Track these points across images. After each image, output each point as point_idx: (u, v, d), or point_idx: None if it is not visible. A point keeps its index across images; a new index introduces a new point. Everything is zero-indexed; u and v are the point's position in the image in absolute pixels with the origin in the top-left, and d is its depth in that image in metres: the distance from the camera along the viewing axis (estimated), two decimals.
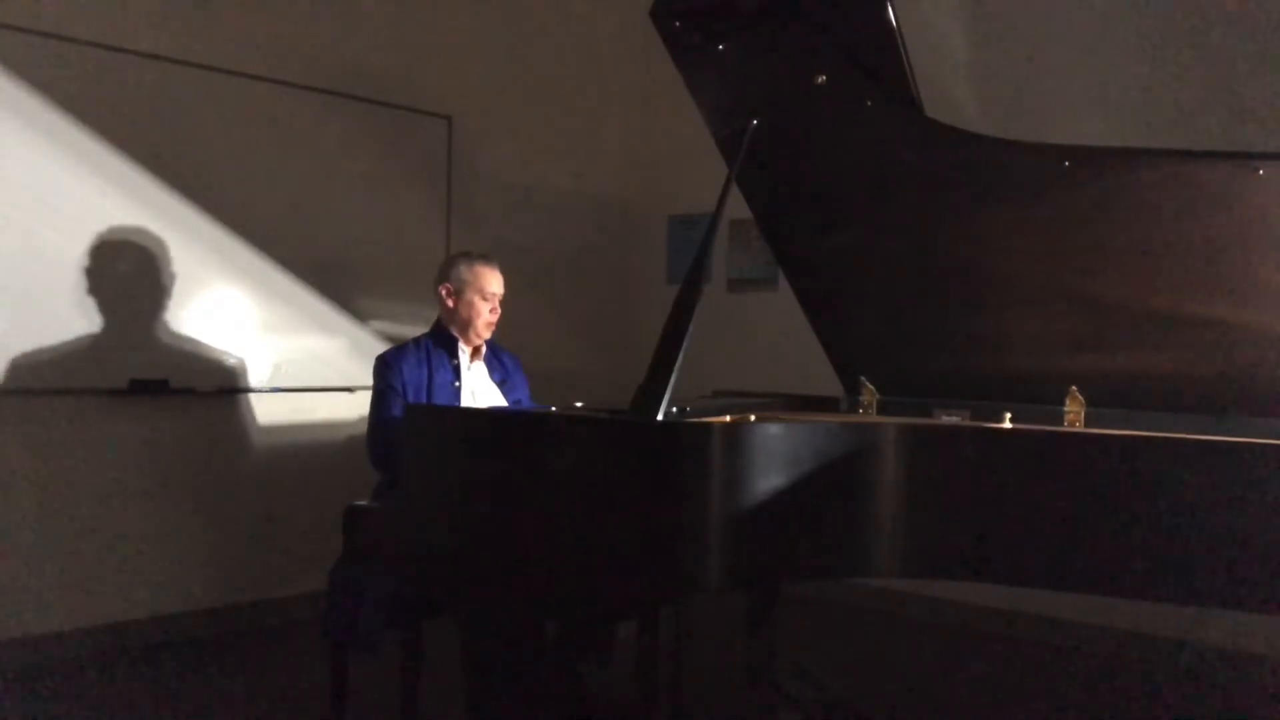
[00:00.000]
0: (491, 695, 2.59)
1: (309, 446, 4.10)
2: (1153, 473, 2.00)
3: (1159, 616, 3.75)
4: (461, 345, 2.94)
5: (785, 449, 2.05)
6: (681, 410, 2.38)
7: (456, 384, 2.90)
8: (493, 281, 2.91)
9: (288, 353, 4.01)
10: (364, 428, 2.90)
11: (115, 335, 3.56)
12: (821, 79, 2.40)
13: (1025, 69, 4.12)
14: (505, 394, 3.01)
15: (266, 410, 3.99)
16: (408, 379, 2.83)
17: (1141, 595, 2.04)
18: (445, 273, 2.94)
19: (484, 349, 3.00)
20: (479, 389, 2.96)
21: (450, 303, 2.91)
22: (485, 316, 2.90)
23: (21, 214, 3.36)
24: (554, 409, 2.75)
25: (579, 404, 2.55)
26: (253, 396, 3.95)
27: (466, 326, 2.91)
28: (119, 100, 3.56)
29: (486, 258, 2.94)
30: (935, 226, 2.57)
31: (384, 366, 2.86)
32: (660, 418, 2.11)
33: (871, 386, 2.92)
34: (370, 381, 2.89)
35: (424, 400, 2.81)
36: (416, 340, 2.96)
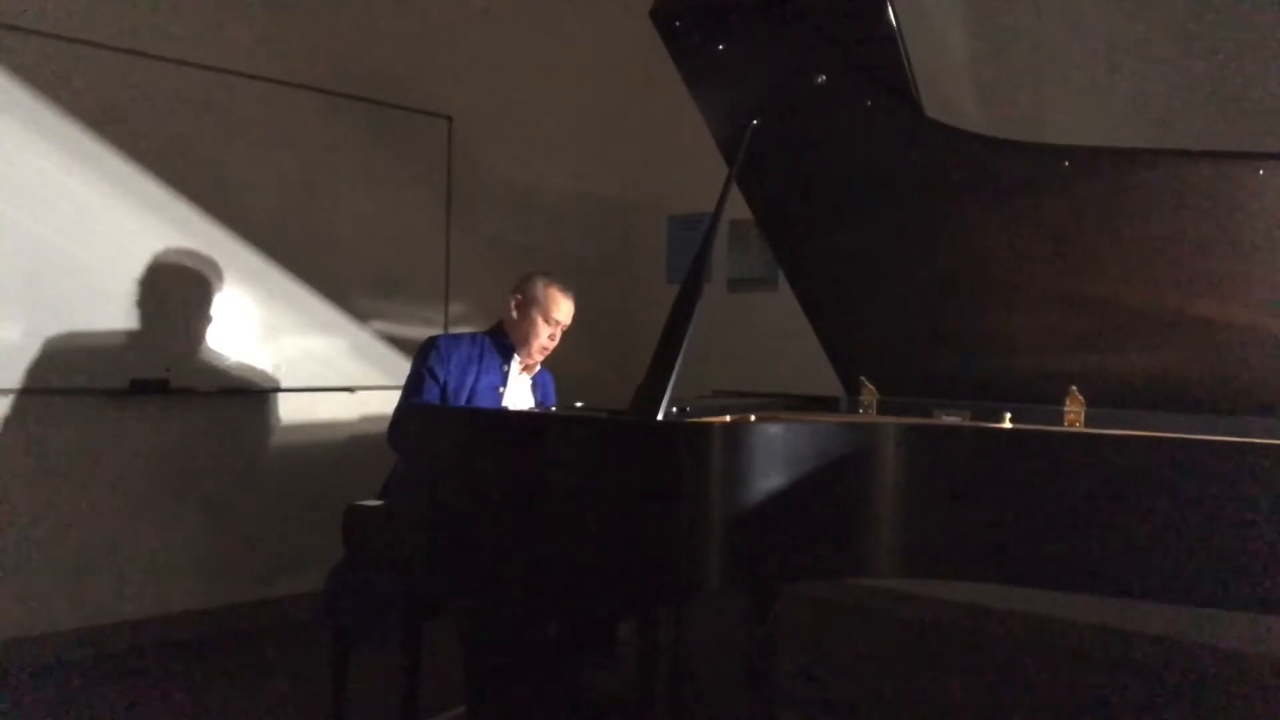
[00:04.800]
0: (491, 695, 2.58)
1: (309, 446, 4.10)
2: (1153, 473, 2.00)
3: (1159, 616, 3.75)
4: (517, 355, 2.91)
5: (785, 449, 2.05)
6: (681, 410, 2.38)
7: (500, 389, 2.87)
8: (560, 309, 2.85)
9: (288, 353, 4.01)
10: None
11: (115, 335, 3.56)
12: (821, 79, 2.40)
13: (1025, 69, 4.12)
14: None
15: (267, 410, 3.99)
16: (453, 371, 2.79)
17: (1141, 595, 2.04)
18: (521, 285, 2.89)
19: (538, 367, 2.98)
20: (519, 402, 2.95)
21: (515, 314, 2.87)
22: (542, 340, 2.86)
23: (22, 214, 3.36)
24: (554, 409, 2.75)
25: (579, 404, 2.55)
26: (253, 396, 3.95)
27: (522, 343, 2.88)
28: (119, 100, 3.56)
29: (565, 286, 2.89)
30: (935, 226, 2.58)
31: (435, 350, 2.80)
32: (660, 418, 2.11)
33: (871, 386, 2.92)
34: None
35: (464, 397, 2.79)
36: (474, 335, 2.92)
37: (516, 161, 4.87)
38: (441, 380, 2.77)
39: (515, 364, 2.92)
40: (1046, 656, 3.83)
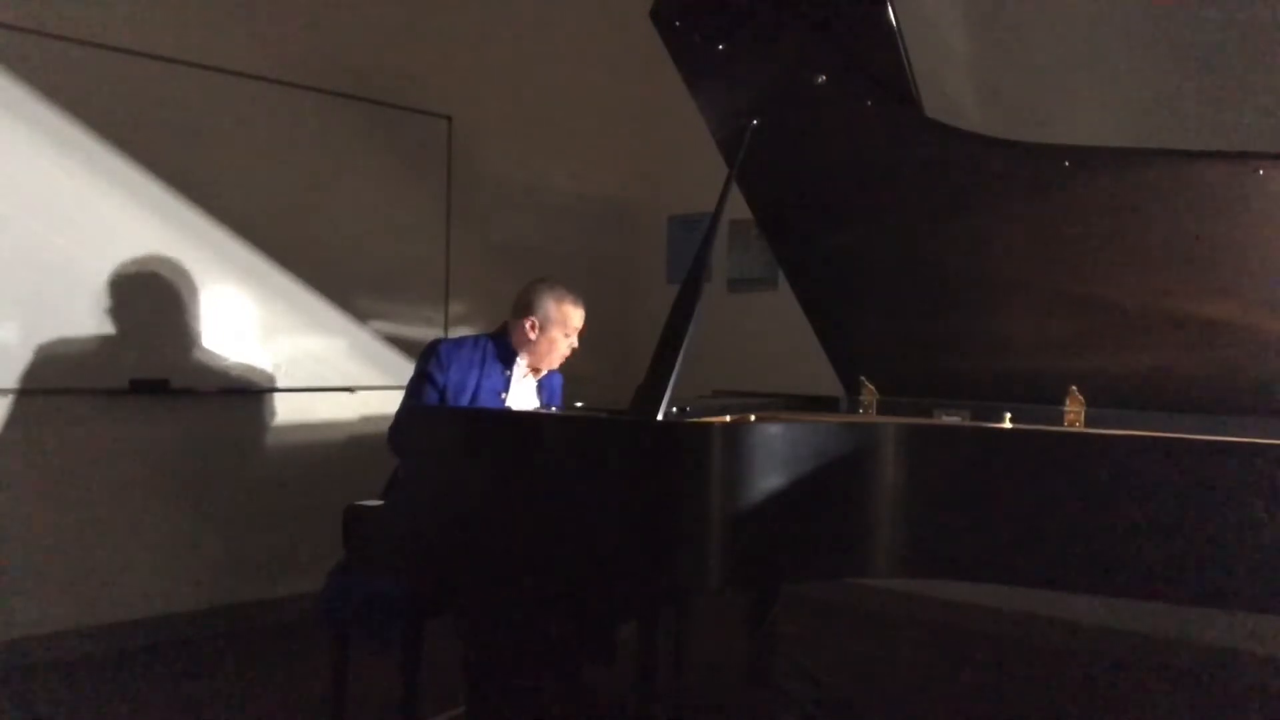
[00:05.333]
0: (491, 695, 2.59)
1: (309, 446, 4.10)
2: (1153, 473, 2.00)
3: (1159, 616, 3.75)
4: (520, 360, 2.90)
5: (785, 449, 2.05)
6: (681, 410, 2.38)
7: (503, 395, 2.86)
8: (577, 319, 2.86)
9: (288, 353, 4.01)
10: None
11: (115, 335, 3.56)
12: (821, 79, 2.40)
13: (1025, 69, 4.12)
14: None
15: (267, 410, 3.99)
16: (453, 376, 2.78)
17: (1141, 595, 2.04)
18: (532, 305, 2.83)
19: (544, 371, 2.97)
20: (523, 405, 2.93)
21: (533, 335, 2.84)
22: (562, 352, 2.87)
23: (22, 214, 3.36)
24: (554, 409, 2.75)
25: (579, 404, 2.55)
26: (253, 396, 3.95)
27: (542, 358, 2.87)
28: (119, 100, 3.56)
29: (575, 295, 2.87)
30: (936, 226, 2.57)
31: (434, 356, 2.80)
32: (660, 418, 2.11)
33: (871, 386, 2.92)
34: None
35: (465, 401, 2.79)
36: (476, 338, 2.90)
37: (516, 161, 4.87)
38: (440, 386, 2.77)
39: (518, 368, 2.91)
40: (1046, 656, 3.83)
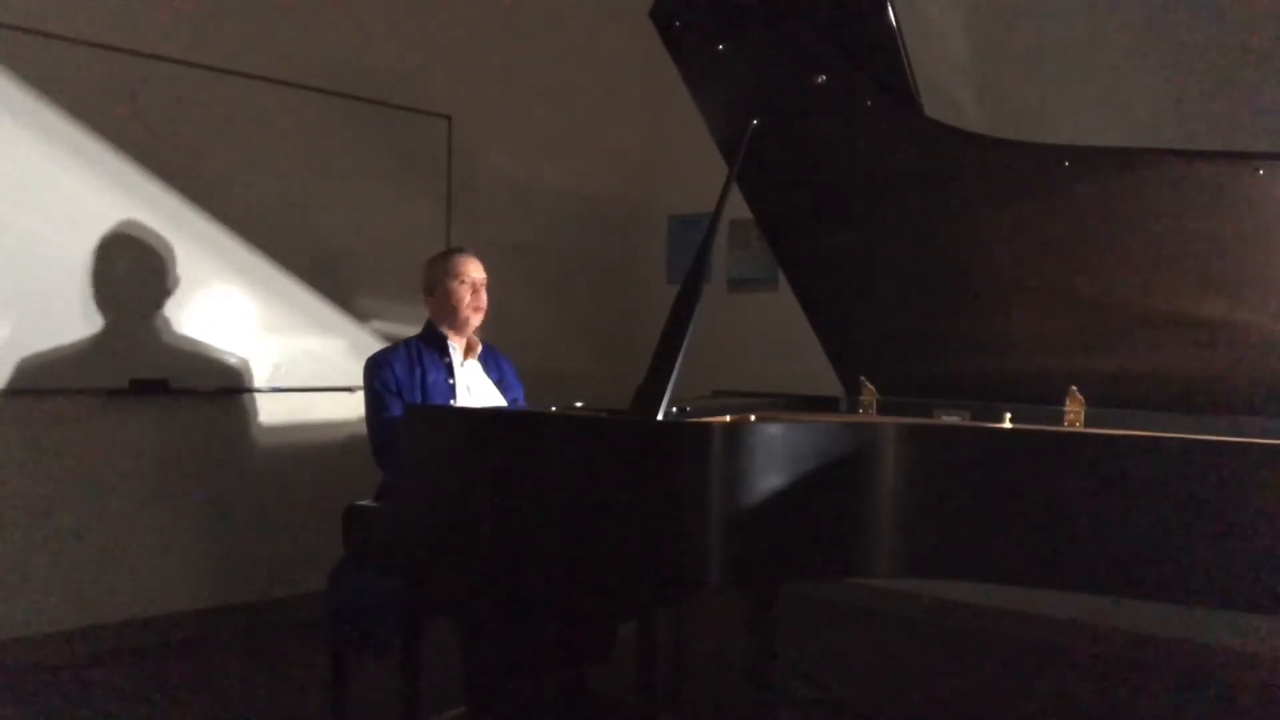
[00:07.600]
0: (491, 695, 2.59)
1: (309, 446, 4.10)
2: (1152, 473, 2.00)
3: (1159, 616, 3.75)
4: (452, 343, 2.92)
5: (785, 449, 2.05)
6: (681, 410, 2.38)
7: (450, 381, 2.88)
8: (467, 266, 2.89)
9: (288, 353, 4.01)
10: (364, 428, 2.90)
11: (115, 335, 3.56)
12: (821, 79, 2.40)
13: (1025, 69, 4.12)
14: (502, 393, 3.00)
15: (266, 410, 3.99)
16: (400, 378, 2.81)
17: (1141, 595, 2.04)
18: (424, 279, 2.98)
19: (479, 348, 2.98)
20: (474, 386, 2.94)
21: (434, 298, 2.92)
22: (468, 301, 2.88)
23: (21, 214, 3.36)
24: (554, 409, 2.75)
25: (579, 404, 2.55)
26: (253, 396, 3.95)
27: (454, 316, 2.89)
28: (119, 100, 3.56)
29: (461, 250, 2.96)
30: (935, 226, 2.57)
31: (375, 367, 2.84)
32: (660, 418, 2.11)
33: (871, 386, 2.92)
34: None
35: (418, 399, 2.80)
36: (406, 342, 2.94)
37: (516, 161, 4.87)
38: (395, 389, 2.79)
39: (455, 354, 2.92)
40: (1046, 656, 3.83)
